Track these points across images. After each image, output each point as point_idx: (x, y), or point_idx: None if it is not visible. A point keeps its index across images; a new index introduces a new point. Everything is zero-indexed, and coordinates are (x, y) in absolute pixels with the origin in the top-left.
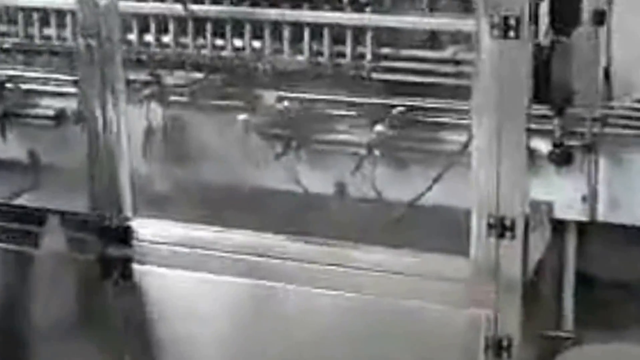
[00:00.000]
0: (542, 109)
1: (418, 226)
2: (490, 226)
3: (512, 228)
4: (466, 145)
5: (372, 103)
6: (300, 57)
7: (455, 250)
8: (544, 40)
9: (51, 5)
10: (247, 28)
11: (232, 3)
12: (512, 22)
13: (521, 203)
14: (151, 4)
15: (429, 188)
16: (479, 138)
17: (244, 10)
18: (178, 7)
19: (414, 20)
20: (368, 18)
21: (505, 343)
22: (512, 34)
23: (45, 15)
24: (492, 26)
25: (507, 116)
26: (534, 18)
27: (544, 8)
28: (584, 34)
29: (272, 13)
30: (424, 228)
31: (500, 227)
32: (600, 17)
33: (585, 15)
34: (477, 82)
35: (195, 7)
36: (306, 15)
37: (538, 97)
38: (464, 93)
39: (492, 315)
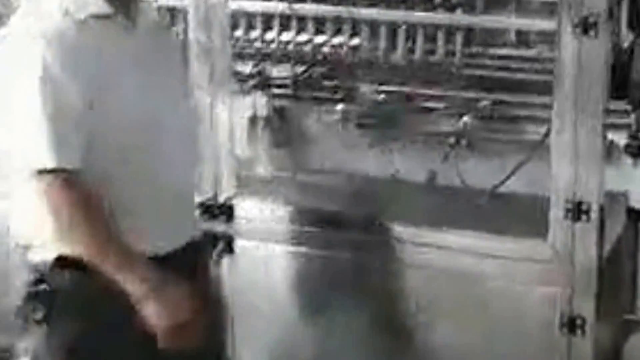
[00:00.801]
0: (620, 105)
1: (501, 212)
2: (567, 211)
3: (587, 212)
4: (546, 136)
5: (460, 97)
6: (395, 54)
7: (535, 233)
8: (623, 41)
9: (166, 4)
10: (346, 26)
11: (332, 3)
12: (591, 21)
13: (596, 190)
14: (258, 3)
15: (509, 176)
16: (558, 130)
17: (343, 9)
18: (282, 6)
19: (501, 19)
20: (458, 18)
21: (579, 322)
22: (591, 33)
23: (159, 12)
24: (574, 26)
25: (585, 110)
26: (614, 19)
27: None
28: None
29: (369, 12)
30: (506, 213)
31: (577, 212)
32: None
33: None
34: (558, 78)
35: (297, 6)
36: (401, 15)
37: (617, 93)
38: (546, 89)
39: (568, 295)
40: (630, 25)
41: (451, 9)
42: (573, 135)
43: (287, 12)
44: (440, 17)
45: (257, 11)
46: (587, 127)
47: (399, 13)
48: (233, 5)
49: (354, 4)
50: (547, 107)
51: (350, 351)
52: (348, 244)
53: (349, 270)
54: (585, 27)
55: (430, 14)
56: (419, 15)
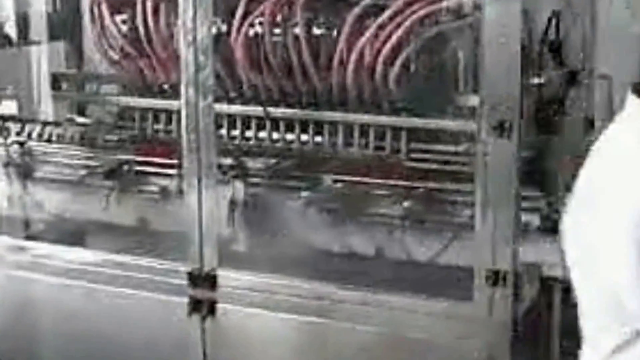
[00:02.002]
0: (534, 192)
1: (436, 279)
2: (487, 278)
3: (504, 279)
4: (471, 218)
5: (403, 185)
6: (351, 149)
7: (463, 297)
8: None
9: (162, 106)
10: (311, 126)
11: (300, 107)
12: (506, 125)
13: (511, 261)
14: (237, 107)
15: (443, 250)
16: (481, 213)
17: (308, 112)
18: (258, 109)
19: (436, 122)
20: (403, 120)
21: None
22: (505, 134)
23: (155, 114)
24: (492, 128)
25: (501, 197)
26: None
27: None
28: (570, 135)
29: (330, 115)
30: (440, 280)
31: (495, 279)
32: (589, 123)
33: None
34: (478, 171)
35: (271, 109)
36: (356, 117)
37: (531, 182)
38: (472, 178)
39: (488, 346)
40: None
41: (397, 112)
42: (491, 216)
43: (262, 114)
44: (388, 119)
45: (237, 114)
46: (503, 210)
47: (354, 116)
48: (218, 109)
49: (317, 109)
50: (473, 193)
51: None
52: (313, 309)
53: (314, 332)
54: (500, 130)
55: (379, 117)
56: (370, 118)
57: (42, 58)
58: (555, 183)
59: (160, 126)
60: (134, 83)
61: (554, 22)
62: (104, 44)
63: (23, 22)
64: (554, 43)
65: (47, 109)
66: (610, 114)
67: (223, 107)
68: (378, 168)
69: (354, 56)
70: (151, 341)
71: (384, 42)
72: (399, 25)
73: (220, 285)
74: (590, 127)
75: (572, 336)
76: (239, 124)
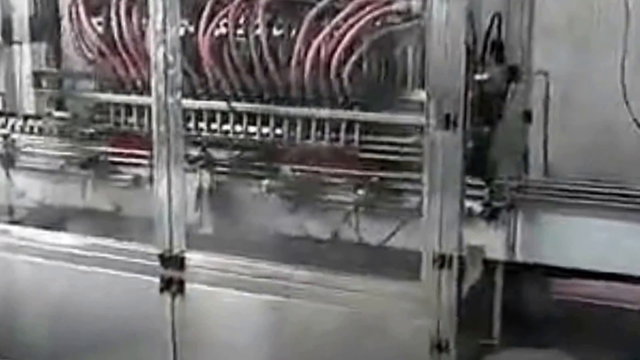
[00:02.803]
0: (477, 181)
1: (387, 261)
2: (434, 261)
3: (450, 262)
4: (420, 204)
5: (357, 174)
6: (308, 141)
7: (412, 278)
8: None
9: (134, 102)
10: (272, 120)
11: (261, 102)
12: (451, 118)
13: (456, 245)
14: (204, 102)
15: (393, 234)
16: (428, 200)
17: (269, 107)
18: (223, 104)
19: (388, 116)
20: (356, 114)
21: (444, 344)
22: (451, 127)
23: (128, 109)
24: (437, 121)
25: (447, 185)
26: (470, 116)
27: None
28: (510, 128)
29: (289, 110)
30: (390, 262)
31: (442, 261)
32: (528, 116)
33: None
34: (426, 161)
35: (235, 104)
36: (313, 111)
37: (474, 171)
38: (421, 168)
39: (436, 324)
40: (480, 118)
41: (350, 107)
42: (438, 203)
43: (227, 109)
44: (342, 113)
45: (203, 108)
46: (449, 198)
47: (311, 110)
48: (185, 104)
49: (277, 103)
50: (421, 182)
51: None
52: (272, 289)
53: (273, 309)
54: (446, 122)
55: (335, 111)
56: (326, 112)
57: (24, 57)
58: (496, 172)
59: (133, 120)
60: (109, 80)
61: (496, 22)
62: (81, 44)
63: (7, 25)
64: (496, 42)
65: (28, 104)
66: (547, 108)
67: (190, 102)
68: (333, 158)
69: (310, 55)
70: (126, 316)
71: (338, 42)
72: (352, 26)
73: (188, 266)
74: (528, 120)
75: (513, 315)
76: (205, 117)
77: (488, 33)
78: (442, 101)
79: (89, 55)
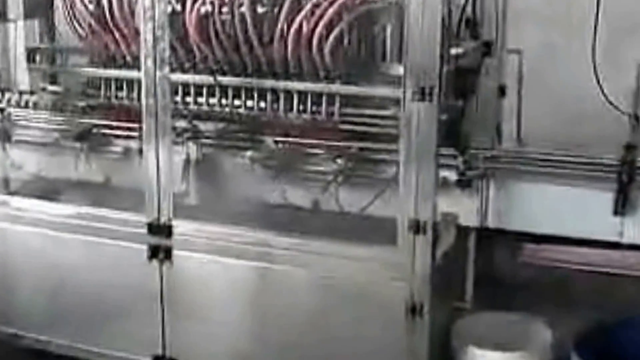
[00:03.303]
0: (452, 151)
1: (365, 228)
2: (410, 227)
3: (424, 228)
4: (396, 174)
5: (337, 145)
6: (291, 114)
7: (388, 243)
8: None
9: (125, 76)
10: (256, 93)
11: (246, 76)
12: (427, 91)
13: (431, 212)
14: (191, 76)
15: (371, 202)
16: (404, 170)
17: (253, 81)
18: (209, 78)
19: (367, 89)
20: (337, 87)
21: (418, 307)
22: (427, 99)
23: (119, 83)
24: (413, 93)
25: (422, 155)
26: (447, 88)
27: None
28: (485, 101)
29: (272, 84)
30: (368, 229)
31: (417, 228)
32: (502, 91)
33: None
34: (403, 132)
35: (220, 78)
36: (295, 85)
37: (449, 142)
38: (397, 139)
39: (411, 288)
40: (454, 92)
41: (332, 80)
42: (414, 172)
43: (213, 83)
44: (323, 86)
45: (190, 82)
46: (424, 167)
47: (293, 84)
48: (173, 78)
49: (261, 78)
50: (398, 152)
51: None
52: (255, 255)
53: (256, 274)
54: (422, 94)
55: (316, 84)
56: (308, 85)
57: (19, 34)
58: (469, 143)
59: (123, 94)
60: (100, 56)
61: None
62: (74, 21)
63: (2, 3)
64: (470, 19)
65: (23, 79)
66: (521, 84)
67: (178, 77)
68: (315, 130)
69: (293, 31)
70: (117, 282)
71: (320, 19)
72: (332, 3)
73: (175, 233)
74: (502, 95)
75: (484, 280)
76: (192, 91)
77: (463, 9)
78: (418, 74)
79: (81, 31)
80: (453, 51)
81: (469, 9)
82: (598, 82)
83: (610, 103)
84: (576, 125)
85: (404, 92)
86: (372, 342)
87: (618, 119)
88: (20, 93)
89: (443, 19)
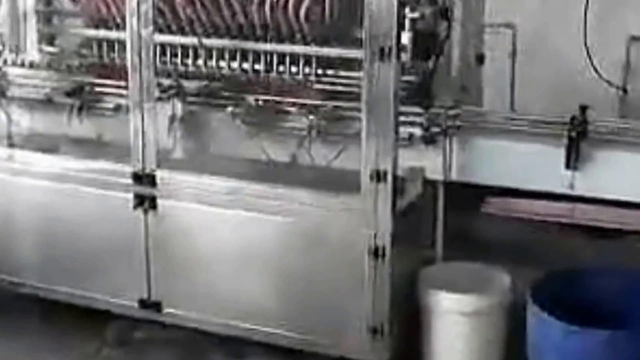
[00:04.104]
0: (417, 109)
1: (333, 178)
2: (372, 176)
3: (385, 177)
4: (361, 130)
5: (311, 104)
6: (271, 74)
7: (353, 192)
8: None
9: (116, 37)
10: (238, 54)
11: (229, 38)
12: (386, 51)
13: (391, 163)
14: (177, 37)
15: (338, 155)
16: (366, 124)
17: (236, 43)
18: (194, 40)
19: (336, 50)
20: (313, 50)
21: (380, 252)
22: (385, 60)
23: (110, 44)
24: (372, 54)
25: (382, 112)
26: (411, 49)
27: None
28: (460, 66)
29: (254, 45)
30: (336, 179)
31: (378, 177)
32: (480, 59)
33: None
34: (365, 90)
35: (205, 40)
36: (275, 47)
37: (415, 101)
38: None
39: (374, 233)
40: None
41: (308, 43)
42: (374, 127)
43: (198, 44)
44: (300, 48)
45: (177, 43)
46: (383, 122)
47: (273, 46)
48: (160, 38)
49: (243, 40)
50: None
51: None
52: (234, 203)
53: (235, 221)
54: (381, 55)
55: (294, 46)
56: (286, 47)
57: None
58: (433, 102)
59: (114, 54)
60: (93, 17)
61: None
62: None
63: None
64: None
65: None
66: (514, 57)
67: (165, 37)
68: (292, 90)
69: None
70: (104, 229)
71: None
72: None
73: (159, 183)
74: (480, 62)
75: (453, 232)
76: (178, 51)
77: None
78: (378, 36)
79: None
80: (410, 14)
81: None
82: (588, 54)
83: (600, 76)
84: (565, 93)
85: (365, 52)
86: (339, 284)
87: (607, 91)
88: (17, 53)
89: None
